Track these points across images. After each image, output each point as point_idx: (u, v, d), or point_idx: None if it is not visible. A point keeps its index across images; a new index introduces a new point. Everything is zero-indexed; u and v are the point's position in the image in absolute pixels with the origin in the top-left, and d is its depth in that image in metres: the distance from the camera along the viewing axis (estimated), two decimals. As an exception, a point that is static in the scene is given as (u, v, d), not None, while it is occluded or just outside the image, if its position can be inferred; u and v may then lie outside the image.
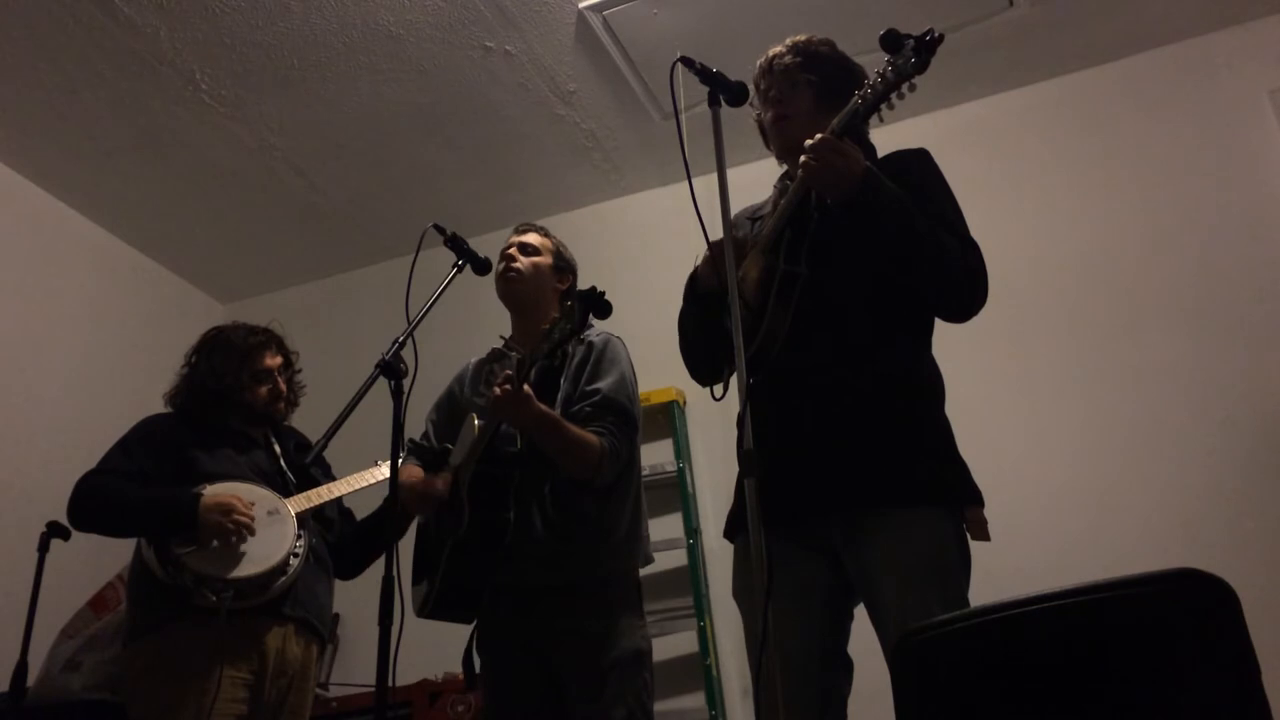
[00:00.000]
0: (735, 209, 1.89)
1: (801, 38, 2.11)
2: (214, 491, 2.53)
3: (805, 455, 1.87)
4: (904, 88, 1.75)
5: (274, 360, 2.82)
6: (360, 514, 2.92)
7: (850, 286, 1.94)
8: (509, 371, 2.24)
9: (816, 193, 1.93)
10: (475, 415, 2.43)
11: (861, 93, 1.80)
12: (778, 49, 2.11)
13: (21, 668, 2.88)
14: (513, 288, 2.56)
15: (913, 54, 1.71)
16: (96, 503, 2.55)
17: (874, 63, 1.84)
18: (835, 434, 1.87)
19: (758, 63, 2.12)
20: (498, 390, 2.22)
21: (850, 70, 2.09)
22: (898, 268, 1.89)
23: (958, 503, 1.85)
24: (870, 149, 2.05)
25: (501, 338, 2.63)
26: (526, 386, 2.23)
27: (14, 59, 3.54)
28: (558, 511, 2.32)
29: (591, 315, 2.06)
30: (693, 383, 2.18)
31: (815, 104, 2.03)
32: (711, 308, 2.00)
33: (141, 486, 2.55)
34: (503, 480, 2.34)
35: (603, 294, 2.03)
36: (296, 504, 2.66)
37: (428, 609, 2.42)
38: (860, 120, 1.84)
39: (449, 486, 2.40)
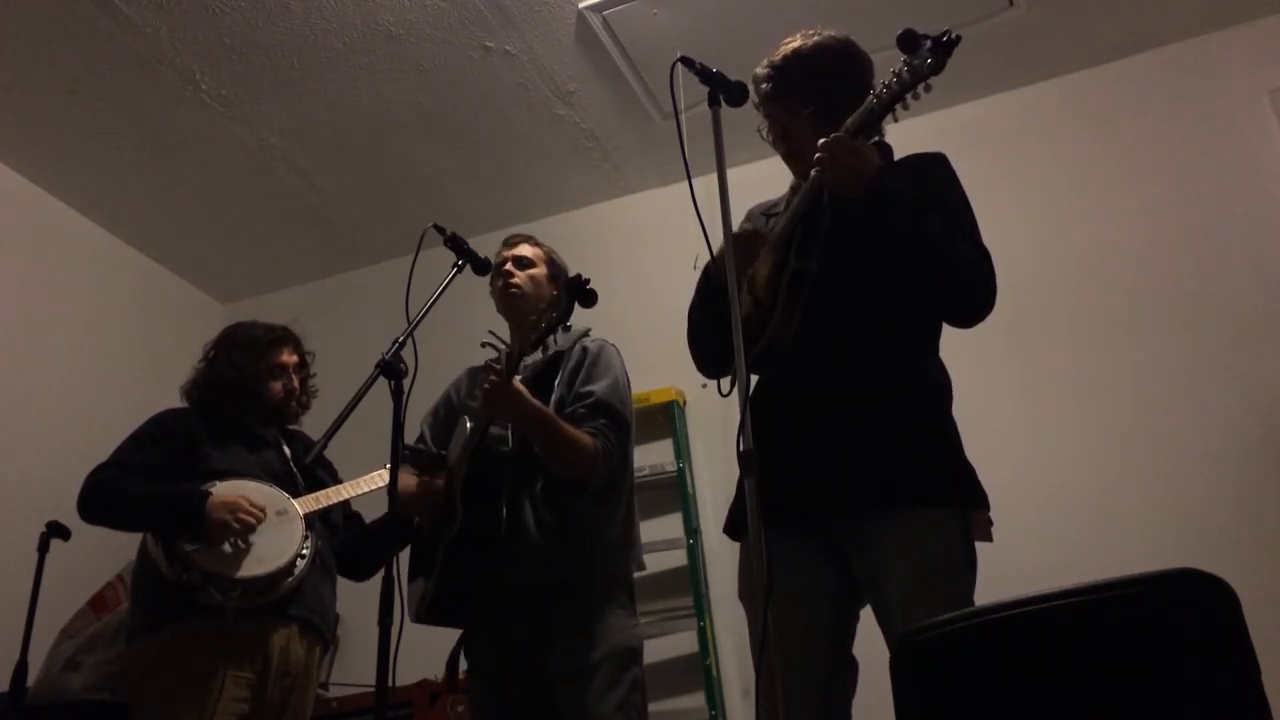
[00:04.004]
0: (735, 209, 1.89)
1: (787, 51, 2.07)
2: (222, 490, 2.53)
3: (813, 454, 1.87)
4: (920, 88, 1.74)
5: (290, 358, 2.84)
6: (368, 517, 2.92)
7: (860, 285, 1.93)
8: (497, 365, 2.24)
9: (829, 190, 1.93)
10: (468, 418, 2.43)
11: (876, 93, 1.79)
12: (764, 71, 2.08)
13: (21, 668, 2.88)
14: (514, 305, 2.57)
15: (929, 54, 1.70)
16: (105, 496, 2.55)
17: (878, 63, 1.83)
18: (844, 433, 1.86)
19: (755, 73, 2.09)
20: (486, 384, 2.22)
21: (841, 70, 2.06)
22: (908, 269, 1.88)
23: (966, 505, 1.85)
24: (886, 149, 2.04)
25: (491, 333, 2.63)
26: (518, 381, 2.23)
27: (14, 59, 3.53)
28: (549, 511, 2.32)
29: (577, 303, 2.07)
30: (692, 383, 2.19)
31: (817, 125, 1.98)
32: (722, 302, 2.00)
33: (152, 481, 2.56)
34: (494, 478, 2.34)
35: (587, 281, 2.06)
36: (304, 505, 2.66)
37: (423, 614, 2.42)
38: (875, 120, 1.83)
39: (446, 488, 2.40)
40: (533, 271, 2.61)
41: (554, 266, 2.65)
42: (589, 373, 2.45)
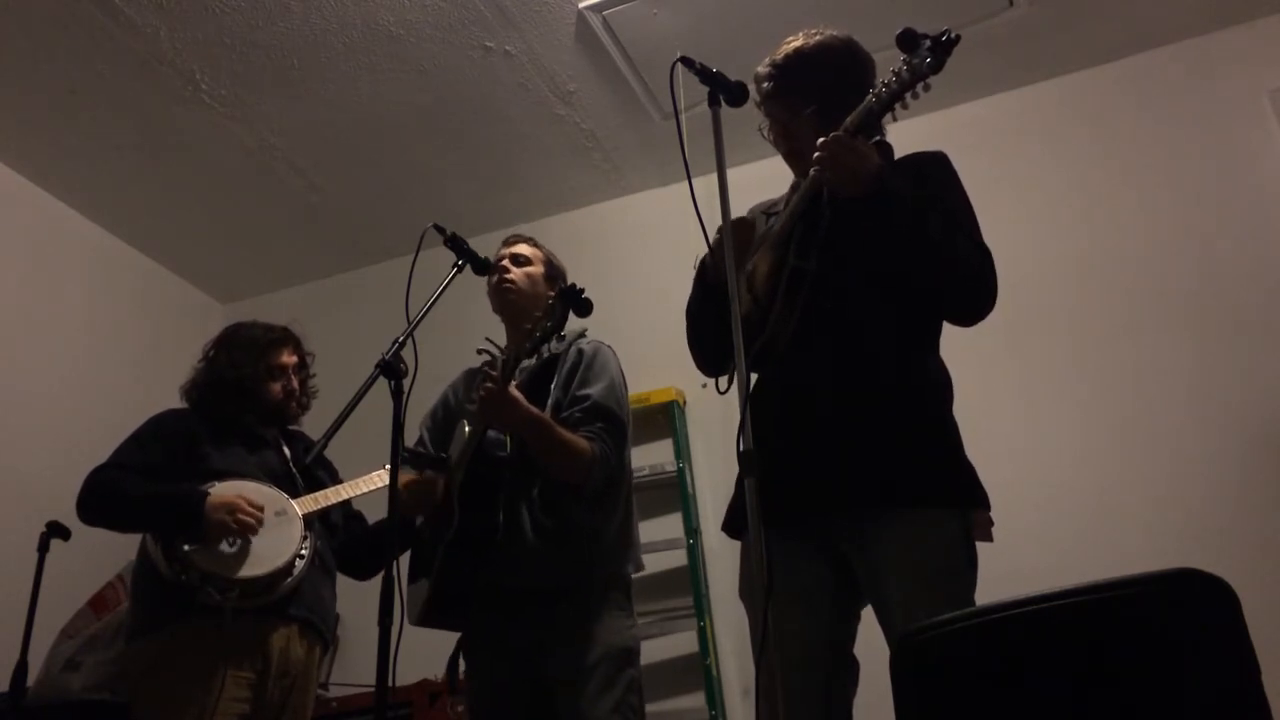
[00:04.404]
0: (735, 209, 1.89)
1: (789, 50, 2.07)
2: (220, 490, 2.53)
3: (813, 454, 1.87)
4: (919, 88, 1.74)
5: (290, 358, 2.85)
6: (369, 517, 2.92)
7: (859, 284, 1.93)
8: (493, 372, 2.24)
9: (829, 189, 1.92)
10: (466, 422, 2.43)
11: (876, 92, 1.79)
12: (765, 70, 2.08)
13: (21, 668, 2.88)
14: (508, 299, 2.57)
15: (929, 54, 1.69)
16: (104, 496, 2.55)
17: (879, 62, 1.83)
18: (844, 433, 1.86)
19: (756, 71, 2.09)
20: (482, 391, 2.22)
21: (843, 69, 2.06)
22: (909, 268, 1.88)
23: (966, 505, 1.85)
24: (887, 148, 2.04)
25: (488, 339, 2.64)
26: (514, 388, 2.23)
27: (14, 59, 3.53)
28: (547, 514, 2.32)
29: (572, 312, 2.08)
30: (692, 383, 2.19)
31: (819, 124, 1.98)
32: (720, 300, 2.00)
33: (151, 482, 2.56)
34: (492, 482, 2.34)
35: (581, 291, 2.07)
36: (304, 505, 2.66)
37: (423, 617, 2.41)
38: (875, 119, 1.84)
39: (445, 490, 2.40)
40: (529, 270, 2.60)
41: (551, 268, 2.65)
42: (585, 375, 2.45)
